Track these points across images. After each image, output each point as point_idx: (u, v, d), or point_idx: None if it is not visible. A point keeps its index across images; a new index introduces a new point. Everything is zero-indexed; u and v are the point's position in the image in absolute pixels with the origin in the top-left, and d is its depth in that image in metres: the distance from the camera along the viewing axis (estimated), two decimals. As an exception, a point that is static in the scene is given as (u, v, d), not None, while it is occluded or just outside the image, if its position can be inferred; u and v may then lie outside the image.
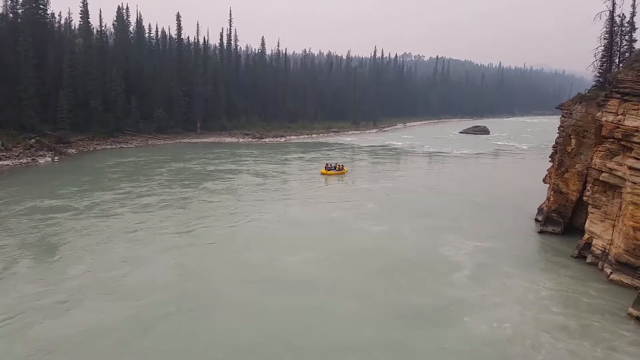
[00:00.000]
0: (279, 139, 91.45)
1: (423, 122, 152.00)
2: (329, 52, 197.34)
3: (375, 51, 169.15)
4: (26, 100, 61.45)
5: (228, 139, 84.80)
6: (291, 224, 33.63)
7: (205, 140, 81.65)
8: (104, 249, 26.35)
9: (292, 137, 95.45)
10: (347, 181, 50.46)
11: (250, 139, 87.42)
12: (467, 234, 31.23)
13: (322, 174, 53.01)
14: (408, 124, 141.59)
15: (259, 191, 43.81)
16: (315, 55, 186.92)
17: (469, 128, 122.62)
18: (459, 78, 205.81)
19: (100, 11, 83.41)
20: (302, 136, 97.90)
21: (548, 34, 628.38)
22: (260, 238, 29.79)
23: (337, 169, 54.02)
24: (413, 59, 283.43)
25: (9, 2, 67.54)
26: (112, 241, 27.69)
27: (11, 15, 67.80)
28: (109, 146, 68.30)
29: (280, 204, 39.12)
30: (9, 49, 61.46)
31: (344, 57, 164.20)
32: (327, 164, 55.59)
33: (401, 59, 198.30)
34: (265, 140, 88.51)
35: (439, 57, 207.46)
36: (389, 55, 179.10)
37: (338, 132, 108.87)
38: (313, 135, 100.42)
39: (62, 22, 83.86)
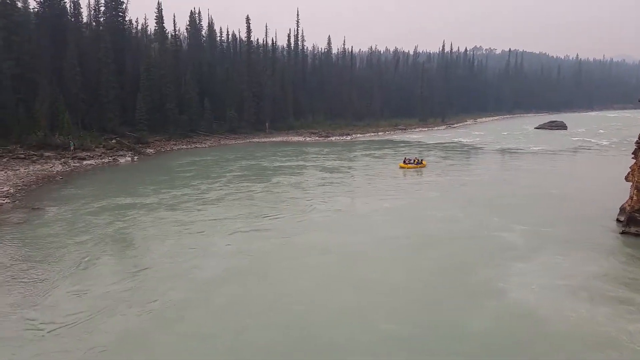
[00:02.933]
0: (345, 137, 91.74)
1: (495, 118, 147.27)
2: (396, 48, 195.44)
3: (443, 45, 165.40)
4: (107, 103, 65.60)
5: (295, 138, 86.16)
6: (357, 213, 34.52)
7: (274, 139, 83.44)
8: (178, 239, 27.58)
9: (358, 135, 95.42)
10: (424, 175, 50.57)
11: (316, 138, 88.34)
12: (543, 233, 29.91)
13: (401, 167, 53.98)
14: (479, 120, 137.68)
15: (326, 184, 44.63)
16: (382, 52, 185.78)
17: (544, 123, 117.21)
18: (533, 71, 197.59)
19: (174, 16, 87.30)
20: (368, 134, 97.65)
21: (629, 23, 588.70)
22: (331, 225, 30.44)
23: (416, 162, 54.83)
24: (484, 52, 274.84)
25: (92, 11, 72.29)
26: (186, 232, 28.96)
27: (94, 23, 72.48)
28: (184, 146, 71.32)
29: (349, 196, 39.94)
30: (92, 56, 65.75)
31: (411, 52, 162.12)
32: (405, 158, 56.49)
33: (471, 52, 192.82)
34: (331, 138, 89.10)
35: (512, 49, 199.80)
36: (458, 49, 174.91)
37: (405, 129, 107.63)
38: (379, 133, 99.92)
39: (139, 28, 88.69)
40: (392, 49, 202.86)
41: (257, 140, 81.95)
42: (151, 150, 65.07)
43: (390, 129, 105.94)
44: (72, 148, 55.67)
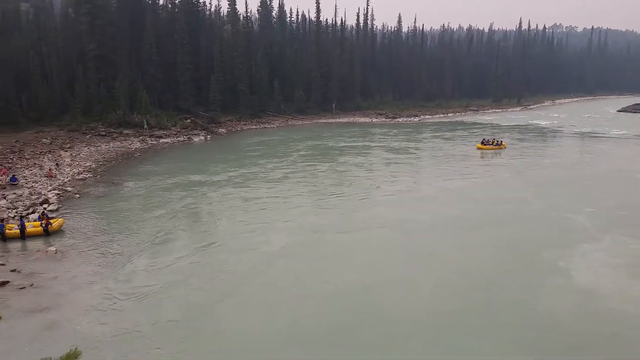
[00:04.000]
0: (413, 118, 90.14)
1: (575, 99, 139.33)
2: (469, 26, 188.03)
3: (520, 23, 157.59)
4: (182, 84, 68.17)
5: (361, 119, 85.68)
6: (423, 193, 34.38)
7: (340, 120, 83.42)
8: (245, 214, 28.47)
9: (427, 116, 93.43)
10: (498, 157, 49.37)
11: (383, 119, 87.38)
12: (618, 217, 28.23)
13: (478, 148, 52.82)
14: (557, 101, 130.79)
15: (392, 165, 44.58)
16: (454, 29, 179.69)
17: (629, 106, 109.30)
18: (618, 50, 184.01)
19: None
20: (438, 115, 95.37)
21: None
22: (394, 203, 30.24)
23: (495, 143, 53.28)
24: (564, 30, 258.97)
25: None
26: (253, 208, 29.84)
27: (169, 5, 75.08)
28: (253, 126, 72.92)
29: (415, 177, 39.66)
30: (168, 37, 68.28)
31: (486, 30, 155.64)
32: (483, 139, 55.13)
33: (550, 30, 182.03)
34: (398, 119, 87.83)
35: (595, 27, 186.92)
36: (537, 27, 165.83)
37: (477, 110, 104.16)
38: (449, 115, 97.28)
39: (212, 9, 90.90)
40: (465, 27, 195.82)
41: (324, 120, 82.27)
42: (223, 130, 67.00)
43: (461, 110, 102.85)
44: (145, 127, 58.43)
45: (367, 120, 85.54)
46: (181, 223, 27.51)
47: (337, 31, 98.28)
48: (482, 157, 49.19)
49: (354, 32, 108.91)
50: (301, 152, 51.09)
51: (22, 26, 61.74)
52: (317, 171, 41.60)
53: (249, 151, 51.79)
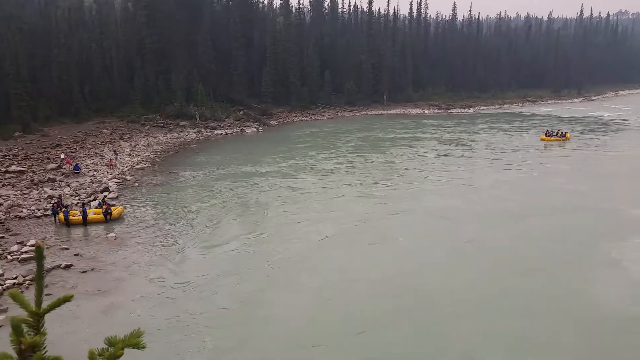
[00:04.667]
0: (467, 109, 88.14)
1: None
2: (527, 14, 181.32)
3: (582, 10, 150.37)
4: (236, 76, 69.51)
5: (413, 111, 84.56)
6: (475, 184, 34.16)
7: (391, 111, 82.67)
8: (294, 205, 28.87)
9: (482, 107, 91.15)
10: (558, 150, 47.98)
11: (436, 110, 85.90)
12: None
13: (542, 140, 51.58)
14: (620, 93, 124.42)
15: (444, 156, 43.95)
16: (512, 18, 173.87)
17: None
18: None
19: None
20: (493, 106, 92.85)
21: None
22: (444, 194, 29.90)
23: (559, 135, 51.79)
24: (630, 17, 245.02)
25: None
26: (302, 198, 30.27)
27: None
28: (304, 118, 73.45)
29: (468, 168, 39.14)
30: (223, 30, 69.69)
31: (545, 18, 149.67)
32: (547, 130, 53.86)
33: (615, 17, 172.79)
34: (451, 111, 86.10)
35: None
36: (600, 14, 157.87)
37: (535, 101, 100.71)
38: (505, 106, 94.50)
39: (266, 2, 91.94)
40: (523, 15, 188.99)
41: (374, 112, 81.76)
42: (274, 122, 67.89)
43: (518, 100, 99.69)
44: (197, 119, 60.05)
45: (419, 111, 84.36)
46: (233, 212, 28.22)
47: (390, 21, 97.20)
48: (544, 149, 47.83)
49: (406, 22, 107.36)
50: (351, 144, 51.15)
51: (85, 21, 64.63)
52: (367, 162, 41.68)
53: (299, 142, 52.30)
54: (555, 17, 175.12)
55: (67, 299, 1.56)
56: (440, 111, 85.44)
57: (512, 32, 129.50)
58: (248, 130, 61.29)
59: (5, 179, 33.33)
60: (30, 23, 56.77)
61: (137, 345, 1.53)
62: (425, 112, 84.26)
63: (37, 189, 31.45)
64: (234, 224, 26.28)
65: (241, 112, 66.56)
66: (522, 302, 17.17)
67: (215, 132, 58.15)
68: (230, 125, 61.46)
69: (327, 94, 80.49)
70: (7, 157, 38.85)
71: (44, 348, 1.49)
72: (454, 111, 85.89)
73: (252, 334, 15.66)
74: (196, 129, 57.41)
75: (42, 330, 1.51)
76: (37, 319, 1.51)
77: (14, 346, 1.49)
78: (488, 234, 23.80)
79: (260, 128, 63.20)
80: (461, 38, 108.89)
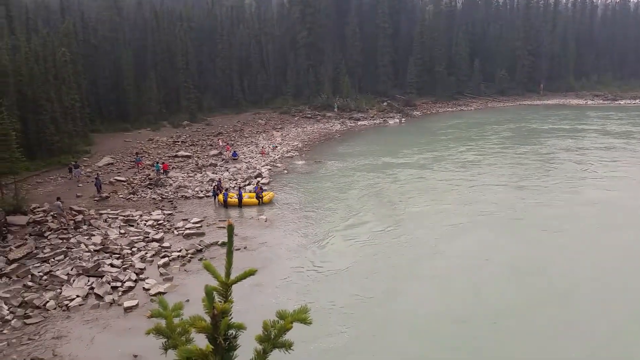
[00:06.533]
0: (636, 101, 78.14)
1: None
2: None
3: None
4: (382, 67, 69.80)
5: (574, 101, 77.21)
6: None
7: (548, 102, 76.42)
8: (433, 197, 28.43)
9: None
10: None
11: (601, 101, 77.45)
12: None
13: None
14: None
15: (610, 150, 40.49)
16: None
17: None
18: None
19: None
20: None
21: None
22: (605, 189, 27.31)
23: None
24: None
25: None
26: (441, 190, 29.70)
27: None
28: (449, 109, 71.25)
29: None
30: (371, 21, 70.27)
31: None
32: None
33: None
34: (620, 102, 76.91)
35: None
36: None
37: None
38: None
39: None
40: None
41: (528, 102, 76.29)
42: (417, 113, 66.92)
43: None
44: (336, 110, 61.37)
45: (581, 102, 76.83)
46: (370, 202, 28.65)
47: (550, 5, 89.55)
48: None
49: (569, 5, 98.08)
50: (500, 135, 48.76)
51: (245, 18, 69.67)
52: (516, 154, 39.96)
53: (442, 134, 50.97)
54: None
55: (251, 273, 1.82)
56: (606, 102, 76.87)
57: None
58: (391, 122, 61.22)
59: (175, 162, 37.59)
60: (198, 22, 62.98)
61: (305, 321, 1.74)
62: (589, 102, 76.46)
63: (201, 173, 34.98)
64: (371, 214, 26.66)
65: (384, 103, 66.69)
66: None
67: (359, 123, 59.09)
68: (373, 117, 61.96)
69: (476, 83, 77.04)
70: (176, 143, 43.75)
71: (231, 315, 1.77)
72: (622, 102, 76.67)
73: (386, 325, 15.89)
74: (340, 120, 58.93)
75: (229, 298, 1.79)
76: (226, 288, 1.80)
77: (206, 311, 1.78)
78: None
79: (403, 119, 62.72)
80: (635, 21, 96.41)
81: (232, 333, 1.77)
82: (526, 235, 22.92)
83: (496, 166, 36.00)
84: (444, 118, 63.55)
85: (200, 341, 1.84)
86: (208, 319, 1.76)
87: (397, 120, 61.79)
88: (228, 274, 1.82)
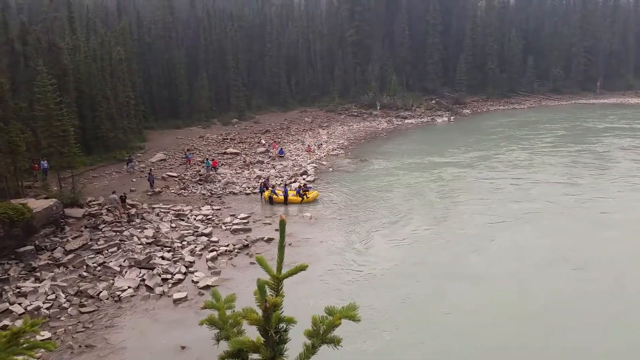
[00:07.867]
0: None
1: None
2: None
3: None
4: (431, 65, 68.72)
5: (634, 100, 73.55)
6: None
7: (605, 100, 73.18)
8: (479, 197, 27.76)
9: None
10: None
11: (665, 100, 73.53)
12: None
13: None
14: None
15: None
16: None
17: None
18: None
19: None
20: None
21: None
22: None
23: None
24: None
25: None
26: (488, 191, 29.03)
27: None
28: (501, 107, 69.42)
29: None
30: (420, 18, 69.28)
31: None
32: None
33: None
34: (687, 101, 72.77)
35: None
36: None
37: None
38: None
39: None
40: None
41: (584, 101, 73.30)
42: (467, 111, 65.55)
43: None
44: (378, 108, 60.85)
45: (641, 101, 73.26)
46: (414, 202, 28.32)
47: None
48: None
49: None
50: (554, 134, 47.28)
51: (294, 16, 70.20)
52: (571, 153, 38.86)
53: (493, 133, 49.68)
54: None
55: (302, 268, 1.85)
56: (670, 101, 72.93)
57: None
58: (439, 120, 60.23)
59: (224, 159, 38.36)
60: (247, 21, 63.93)
61: (354, 318, 1.76)
62: (649, 102, 72.81)
63: (248, 170, 35.55)
64: (415, 214, 26.30)
65: (433, 102, 65.68)
66: None
67: (406, 121, 58.44)
68: (421, 115, 61.17)
69: (529, 81, 74.70)
70: (225, 140, 44.63)
71: (282, 308, 1.81)
72: (689, 101, 72.52)
73: (430, 325, 15.69)
74: (387, 118, 58.47)
75: (280, 292, 1.83)
76: (277, 282, 1.83)
77: (258, 304, 1.82)
78: None
79: (452, 117, 61.59)
80: None
81: (282, 326, 1.80)
82: (577, 231, 22.51)
83: (549, 164, 35.02)
84: (495, 116, 61.95)
85: (251, 333, 1.88)
86: (260, 311, 1.80)
87: (446, 119, 60.73)
88: (280, 268, 1.86)
